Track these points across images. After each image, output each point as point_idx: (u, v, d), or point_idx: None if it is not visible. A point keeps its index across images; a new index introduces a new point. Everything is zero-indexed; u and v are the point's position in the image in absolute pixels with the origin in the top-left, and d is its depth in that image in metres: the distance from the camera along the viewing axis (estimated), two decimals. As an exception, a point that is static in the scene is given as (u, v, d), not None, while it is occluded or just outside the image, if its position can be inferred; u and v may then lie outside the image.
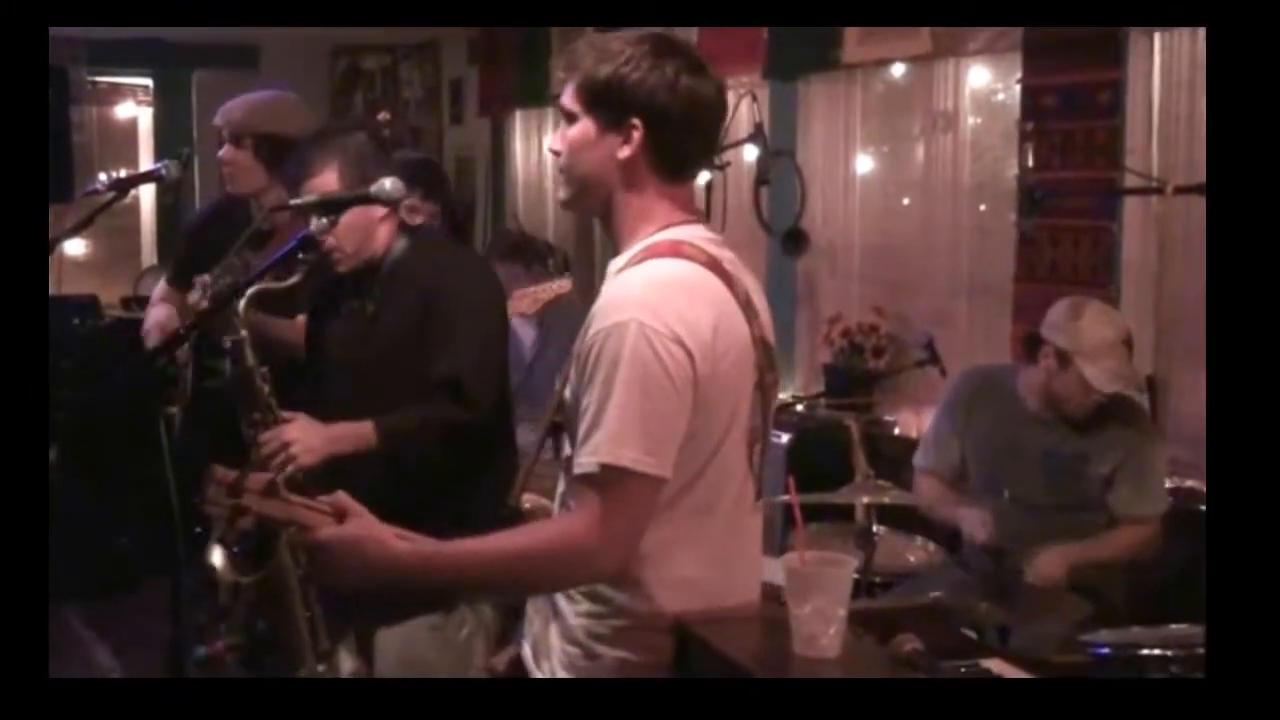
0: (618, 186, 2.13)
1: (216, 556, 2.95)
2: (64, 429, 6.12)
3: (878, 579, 3.58)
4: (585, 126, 2.12)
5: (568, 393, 2.11)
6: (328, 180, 2.93)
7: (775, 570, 3.21)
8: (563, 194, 2.21)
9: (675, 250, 2.08)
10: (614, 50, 2.10)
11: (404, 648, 2.96)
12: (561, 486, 2.19)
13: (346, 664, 3.07)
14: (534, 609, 2.24)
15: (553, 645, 2.17)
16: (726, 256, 2.13)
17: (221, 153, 3.84)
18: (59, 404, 6.24)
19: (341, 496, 2.09)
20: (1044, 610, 3.31)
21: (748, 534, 2.24)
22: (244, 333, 2.89)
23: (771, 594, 3.26)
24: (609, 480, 1.95)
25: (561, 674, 2.15)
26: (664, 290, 2.02)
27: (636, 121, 2.08)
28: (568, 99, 2.14)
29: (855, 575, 2.19)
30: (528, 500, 2.37)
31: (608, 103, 2.09)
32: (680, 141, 2.11)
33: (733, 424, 2.09)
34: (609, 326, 1.99)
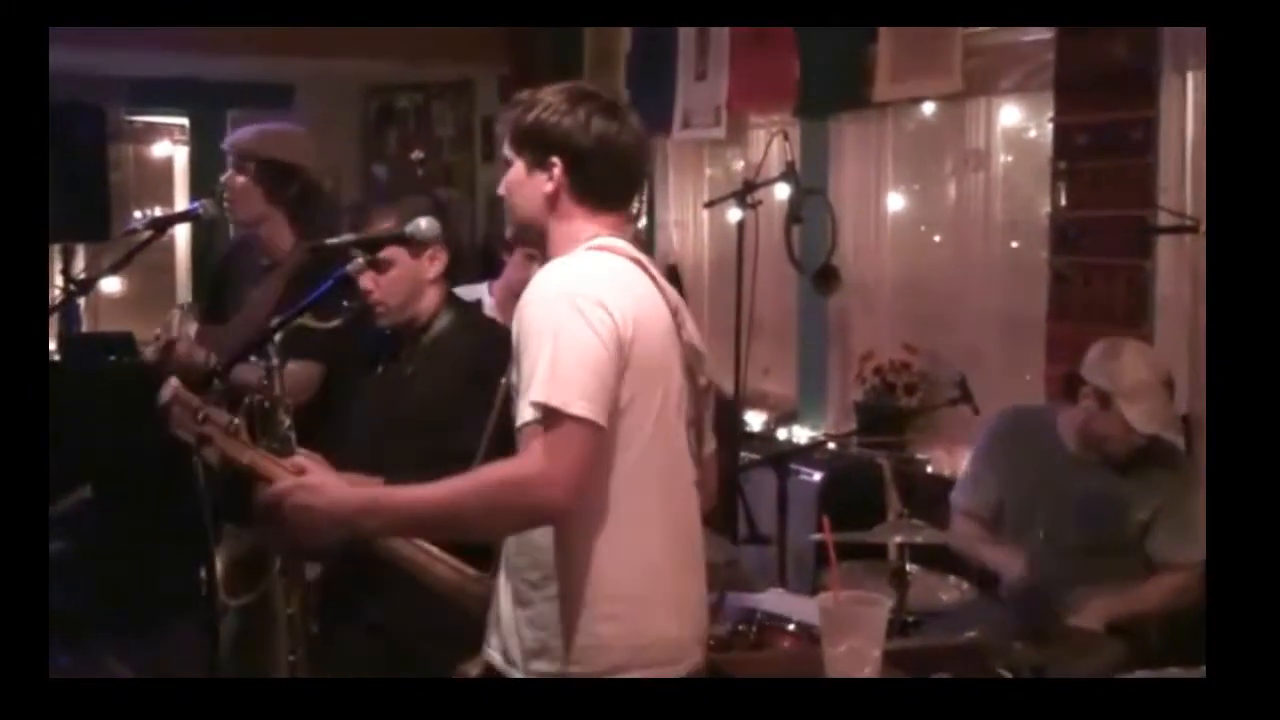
0: (548, 217, 2.35)
1: (218, 567, 3.00)
2: (99, 465, 6.15)
3: (911, 618, 3.56)
4: (517, 168, 2.38)
5: (513, 378, 2.24)
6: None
7: (810, 609, 3.21)
8: (508, 230, 2.47)
9: (599, 248, 2.30)
10: (536, 100, 2.35)
11: None
12: None
13: None
14: (499, 598, 2.33)
15: (522, 633, 2.26)
16: (656, 271, 2.34)
17: (224, 178, 3.88)
18: (96, 440, 6.26)
19: (299, 458, 2.37)
20: (1080, 651, 3.28)
21: (694, 510, 2.37)
22: (275, 361, 2.91)
23: (807, 633, 3.27)
24: (547, 422, 2.08)
25: (534, 663, 2.23)
26: (583, 270, 2.25)
27: (555, 160, 2.32)
28: (505, 148, 2.40)
29: (889, 615, 2.19)
30: None
31: (532, 145, 2.35)
32: (597, 176, 2.34)
33: (668, 398, 2.25)
34: (534, 300, 2.18)
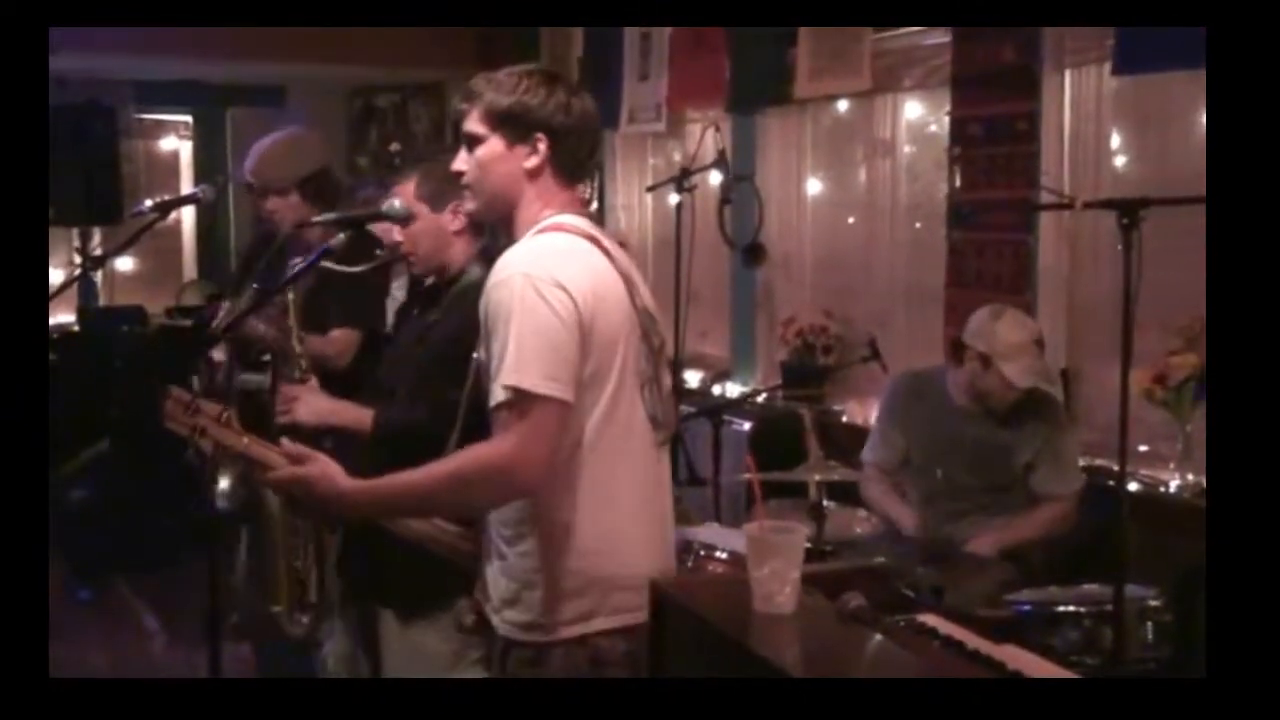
0: (524, 191, 2.21)
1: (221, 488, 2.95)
2: (115, 423, 6.09)
3: (828, 547, 3.56)
4: (493, 144, 2.21)
5: (481, 354, 2.17)
6: (406, 190, 2.83)
7: (738, 539, 3.20)
8: (472, 205, 2.29)
9: (556, 228, 2.18)
10: (511, 82, 2.20)
11: (405, 631, 2.77)
12: None
13: (337, 641, 2.98)
14: (485, 554, 2.27)
15: (498, 582, 2.21)
16: (610, 243, 2.22)
17: (267, 205, 3.70)
18: (112, 401, 6.20)
19: (294, 445, 2.18)
20: (973, 573, 3.30)
21: (655, 465, 2.28)
22: (290, 297, 2.95)
23: (737, 560, 3.26)
24: (518, 404, 2.01)
25: (506, 611, 2.19)
26: (543, 251, 2.13)
27: (541, 135, 2.18)
28: (473, 124, 2.22)
29: (807, 544, 2.17)
30: None
31: (514, 123, 2.19)
32: (575, 150, 2.22)
33: (625, 365, 2.14)
34: (497, 284, 2.08)
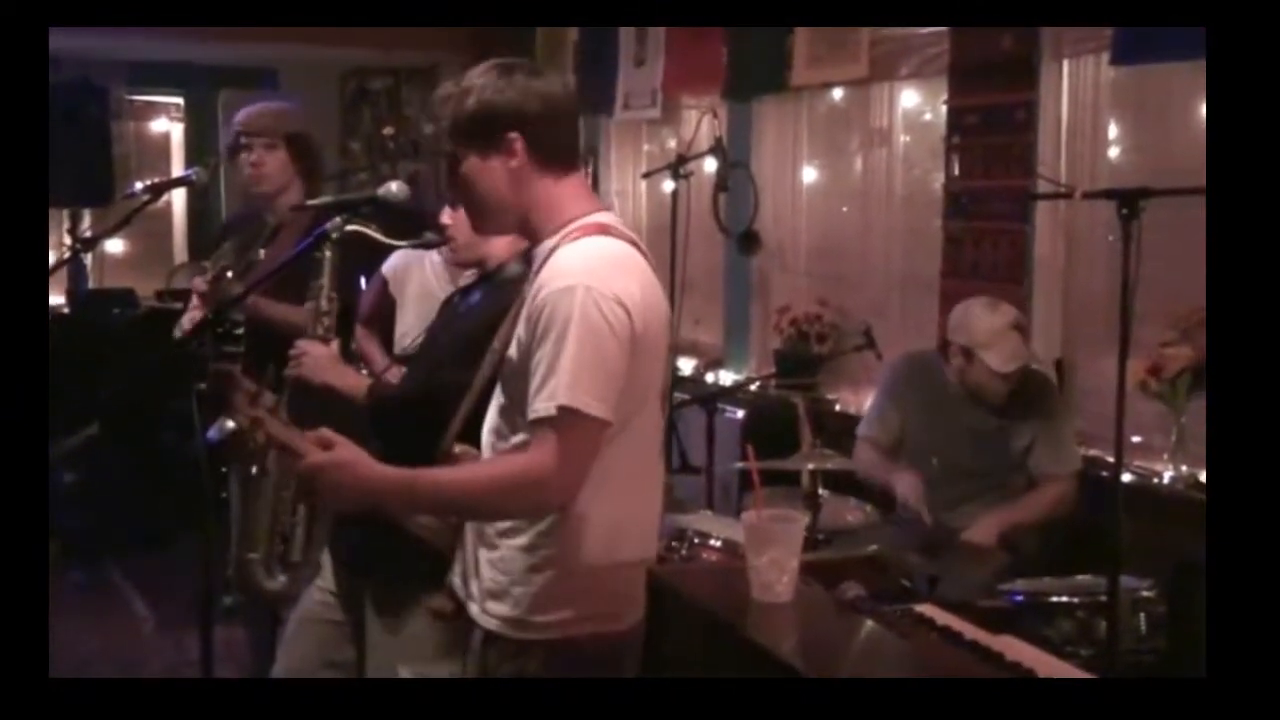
0: (520, 196, 2.12)
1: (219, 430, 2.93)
2: (107, 405, 6.07)
3: (821, 536, 3.57)
4: (470, 161, 2.12)
5: (511, 352, 2.12)
6: None
7: (733, 528, 3.20)
8: (478, 224, 2.21)
9: (603, 230, 2.10)
10: (466, 87, 2.11)
11: (400, 609, 2.78)
12: (487, 435, 2.19)
13: (317, 595, 2.95)
14: (466, 532, 2.23)
15: (483, 573, 2.17)
16: (642, 244, 2.16)
17: (253, 158, 3.70)
18: (102, 384, 6.18)
19: (326, 431, 2.10)
20: (967, 562, 3.31)
21: (659, 468, 2.26)
22: (326, 255, 2.91)
23: (730, 548, 3.26)
24: (564, 421, 1.96)
25: (490, 603, 2.15)
26: (602, 260, 2.04)
27: (514, 135, 2.08)
28: (447, 145, 2.13)
29: (804, 532, 2.17)
30: (459, 447, 2.31)
31: (482, 130, 2.09)
32: (553, 136, 2.12)
33: (657, 376, 2.12)
34: (558, 291, 2.00)
